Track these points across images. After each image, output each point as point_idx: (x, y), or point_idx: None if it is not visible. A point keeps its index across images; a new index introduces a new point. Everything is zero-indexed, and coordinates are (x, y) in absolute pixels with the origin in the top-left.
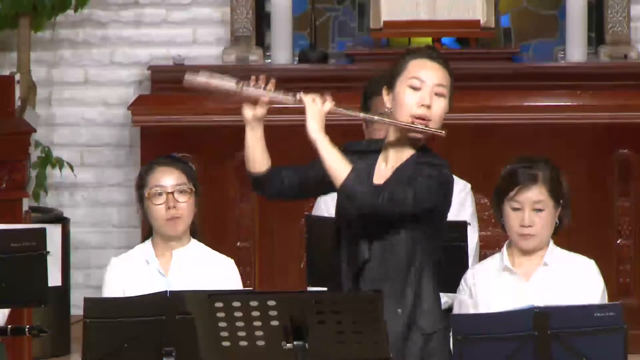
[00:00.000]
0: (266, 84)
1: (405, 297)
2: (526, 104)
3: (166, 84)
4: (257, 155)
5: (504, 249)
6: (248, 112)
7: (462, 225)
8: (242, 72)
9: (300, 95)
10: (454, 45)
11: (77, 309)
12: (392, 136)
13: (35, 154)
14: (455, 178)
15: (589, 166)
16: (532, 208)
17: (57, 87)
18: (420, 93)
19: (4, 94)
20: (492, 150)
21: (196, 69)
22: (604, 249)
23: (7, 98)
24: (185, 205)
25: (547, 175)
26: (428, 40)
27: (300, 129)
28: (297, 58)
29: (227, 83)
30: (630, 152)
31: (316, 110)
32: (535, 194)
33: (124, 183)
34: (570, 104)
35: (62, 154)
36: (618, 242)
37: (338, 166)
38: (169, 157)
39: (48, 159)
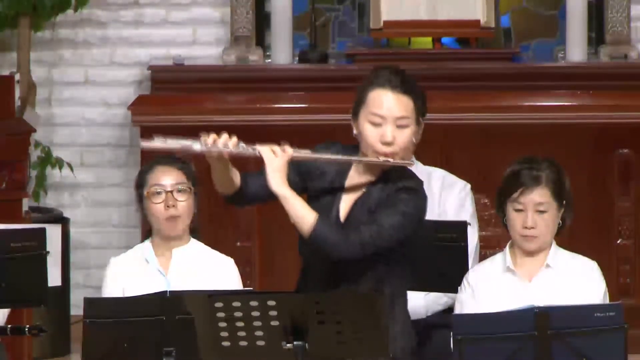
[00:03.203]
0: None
1: None
2: (526, 104)
3: (166, 84)
4: (227, 182)
5: (507, 249)
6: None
7: (462, 225)
8: (242, 72)
9: (259, 148)
10: (454, 45)
11: (77, 309)
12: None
13: (35, 154)
14: (455, 178)
15: (589, 166)
16: (535, 209)
17: (57, 87)
18: (381, 130)
19: (4, 94)
20: (492, 150)
21: (196, 69)
22: (604, 249)
23: (7, 98)
24: (184, 205)
25: (551, 177)
26: (428, 40)
27: (306, 129)
28: (297, 58)
29: (185, 144)
30: (630, 152)
31: (276, 163)
32: (538, 196)
33: (124, 183)
34: (570, 104)
35: (62, 154)
36: (618, 242)
37: (303, 218)
38: (169, 157)
39: (48, 159)
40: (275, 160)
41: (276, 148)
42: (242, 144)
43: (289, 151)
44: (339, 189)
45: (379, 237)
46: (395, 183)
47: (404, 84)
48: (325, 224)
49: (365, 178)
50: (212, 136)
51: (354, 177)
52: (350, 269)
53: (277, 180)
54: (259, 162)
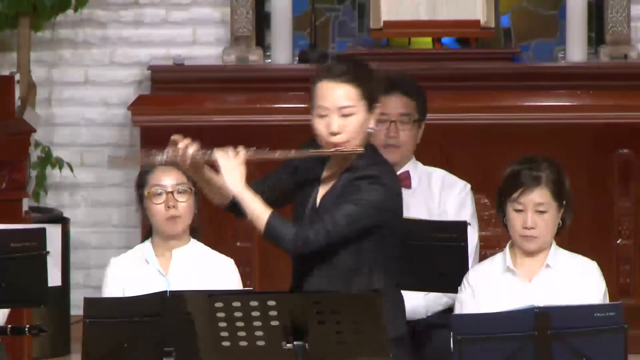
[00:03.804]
0: (186, 148)
1: None
2: (526, 104)
3: (166, 84)
4: (216, 193)
5: (507, 249)
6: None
7: (462, 225)
8: (242, 72)
9: (215, 152)
10: (454, 45)
11: (77, 309)
12: None
13: (35, 154)
14: (455, 178)
15: (589, 166)
16: (535, 210)
17: (57, 87)
18: (326, 120)
19: (4, 94)
20: (492, 150)
21: (196, 69)
22: (604, 249)
23: (7, 98)
24: (184, 205)
25: (551, 177)
26: (428, 40)
27: (306, 129)
28: (297, 58)
29: (144, 158)
30: (630, 152)
31: (229, 164)
32: (538, 196)
33: (124, 183)
34: (570, 104)
35: (62, 154)
36: (618, 242)
37: (258, 215)
38: None
39: (48, 159)
40: (229, 162)
41: (230, 151)
42: (201, 151)
43: (242, 152)
44: (317, 182)
45: (333, 228)
46: (357, 172)
47: (346, 73)
48: (277, 220)
49: (336, 170)
50: (172, 148)
51: (329, 169)
52: (320, 261)
53: (232, 179)
54: (264, 169)
